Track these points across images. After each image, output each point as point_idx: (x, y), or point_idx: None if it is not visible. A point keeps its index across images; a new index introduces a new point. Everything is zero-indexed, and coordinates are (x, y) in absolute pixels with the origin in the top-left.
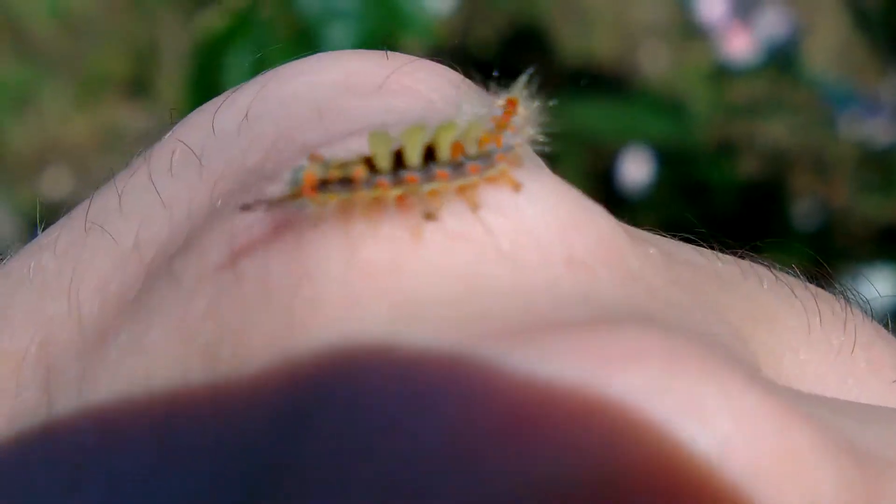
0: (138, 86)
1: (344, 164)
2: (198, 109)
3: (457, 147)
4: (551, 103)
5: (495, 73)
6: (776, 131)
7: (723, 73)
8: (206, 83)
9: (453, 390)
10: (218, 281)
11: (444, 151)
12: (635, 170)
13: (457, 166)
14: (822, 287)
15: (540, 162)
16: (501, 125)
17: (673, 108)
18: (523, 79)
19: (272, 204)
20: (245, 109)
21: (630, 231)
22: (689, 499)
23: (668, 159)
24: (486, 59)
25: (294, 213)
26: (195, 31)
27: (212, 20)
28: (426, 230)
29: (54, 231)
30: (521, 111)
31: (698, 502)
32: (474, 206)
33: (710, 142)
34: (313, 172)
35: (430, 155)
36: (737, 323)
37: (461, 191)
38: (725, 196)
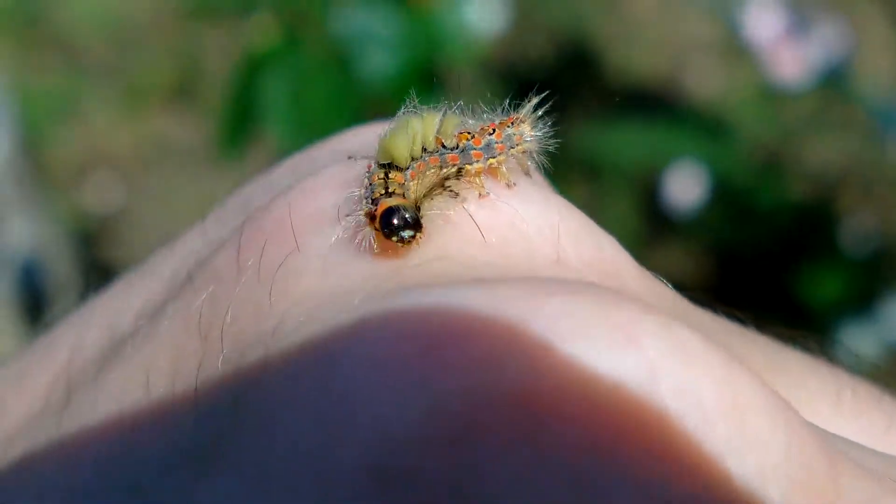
0: (183, 96)
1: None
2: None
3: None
4: (557, 127)
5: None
6: (826, 152)
7: (772, 93)
8: (243, 101)
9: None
10: (221, 275)
11: (449, 138)
12: (683, 190)
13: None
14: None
15: (546, 185)
16: (486, 130)
17: (721, 128)
18: (533, 100)
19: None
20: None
21: (653, 280)
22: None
23: (716, 179)
24: (535, 78)
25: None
26: (237, 50)
27: (252, 40)
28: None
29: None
30: (523, 127)
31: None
32: (455, 196)
33: (758, 162)
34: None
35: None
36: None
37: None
38: (774, 217)
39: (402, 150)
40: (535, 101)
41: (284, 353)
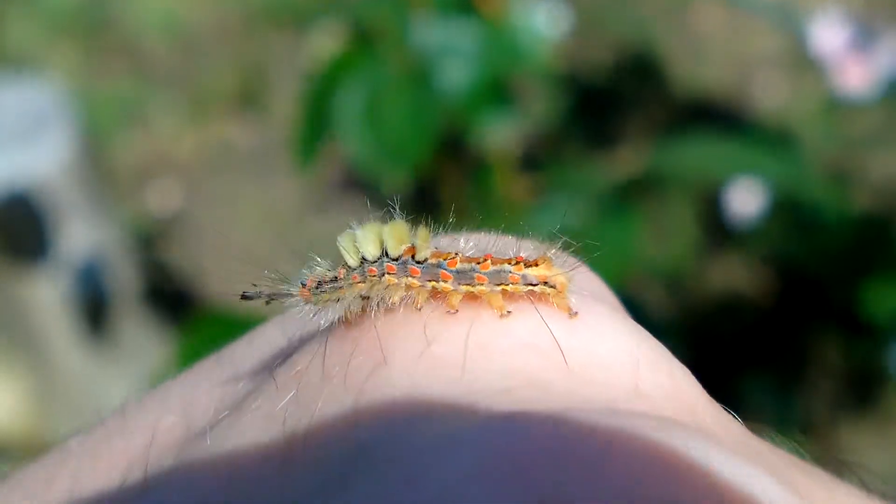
0: (247, 102)
1: (329, 270)
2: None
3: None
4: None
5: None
6: (891, 165)
7: (837, 106)
8: (318, 113)
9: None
10: (305, 379)
11: (422, 251)
12: (746, 203)
13: (431, 267)
14: None
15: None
16: (499, 261)
17: (786, 141)
18: (553, 249)
19: (273, 298)
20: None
21: (720, 411)
22: None
23: (780, 191)
24: (598, 86)
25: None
26: (309, 57)
27: (326, 48)
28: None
29: (192, 370)
30: (541, 269)
31: None
32: (500, 311)
33: (822, 175)
34: (312, 277)
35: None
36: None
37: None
38: (837, 230)
39: (349, 251)
40: (554, 249)
41: (372, 469)
